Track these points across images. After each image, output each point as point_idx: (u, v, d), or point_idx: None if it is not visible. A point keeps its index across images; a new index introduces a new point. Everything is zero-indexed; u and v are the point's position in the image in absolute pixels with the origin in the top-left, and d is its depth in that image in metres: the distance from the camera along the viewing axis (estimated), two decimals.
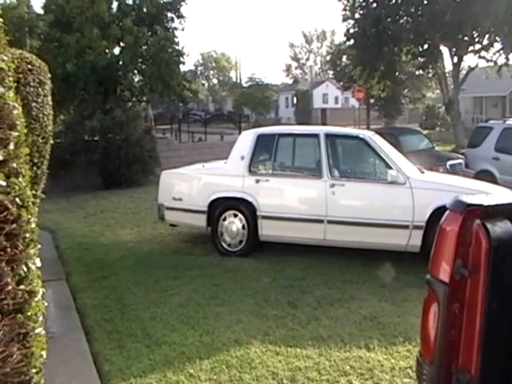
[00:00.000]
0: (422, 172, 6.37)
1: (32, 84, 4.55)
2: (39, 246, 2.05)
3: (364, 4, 21.32)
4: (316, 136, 6.34)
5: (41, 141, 4.54)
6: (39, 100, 4.63)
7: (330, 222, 5.99)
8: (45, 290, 2.06)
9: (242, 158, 6.50)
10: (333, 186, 6.01)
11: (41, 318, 1.95)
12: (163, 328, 4.34)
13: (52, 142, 5.45)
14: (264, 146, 6.56)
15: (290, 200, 6.40)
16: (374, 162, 6.12)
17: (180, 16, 15.63)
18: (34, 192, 4.22)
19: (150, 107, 20.66)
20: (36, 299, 1.90)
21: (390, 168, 5.87)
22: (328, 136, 6.30)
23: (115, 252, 6.75)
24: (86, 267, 6.12)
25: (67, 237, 7.63)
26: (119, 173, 12.73)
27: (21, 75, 4.33)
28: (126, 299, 5.03)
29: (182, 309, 4.76)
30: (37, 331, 1.90)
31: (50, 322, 4.57)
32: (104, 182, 12.94)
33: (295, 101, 50.79)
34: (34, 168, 4.28)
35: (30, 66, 4.53)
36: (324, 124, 38.13)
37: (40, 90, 4.68)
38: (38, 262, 1.98)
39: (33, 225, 1.92)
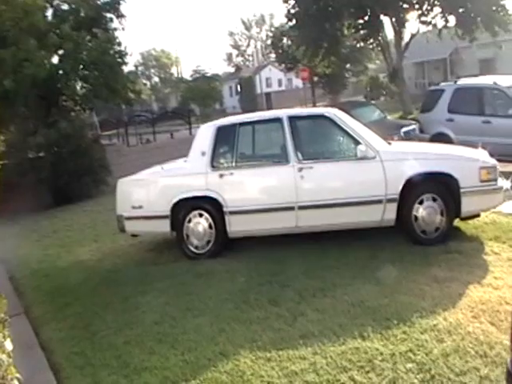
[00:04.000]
0: (389, 143, 6.17)
1: None
2: None
3: None
4: (279, 120, 6.00)
5: None
6: None
7: (301, 207, 5.70)
8: None
9: (203, 153, 6.11)
10: (301, 169, 5.71)
11: None
12: (140, 352, 3.95)
13: None
14: (225, 138, 6.18)
15: (258, 191, 6.07)
16: (342, 139, 5.85)
17: (120, 15, 15.05)
18: None
19: (94, 114, 19.90)
20: None
21: (359, 143, 5.62)
22: (292, 118, 5.98)
23: (76, 274, 6.24)
24: (45, 296, 5.61)
25: (21, 265, 7.06)
26: (69, 187, 12.10)
27: None
28: (95, 326, 4.59)
29: (157, 326, 4.37)
30: None
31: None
32: (54, 199, 12.27)
33: (239, 89, 50.40)
34: None
35: None
36: (270, 108, 37.98)
37: None
38: None
39: None
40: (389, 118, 14.82)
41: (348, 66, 35.32)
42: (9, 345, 1.87)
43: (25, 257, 7.45)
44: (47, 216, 10.79)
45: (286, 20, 24.51)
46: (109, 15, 14.95)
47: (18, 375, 1.92)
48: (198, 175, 6.08)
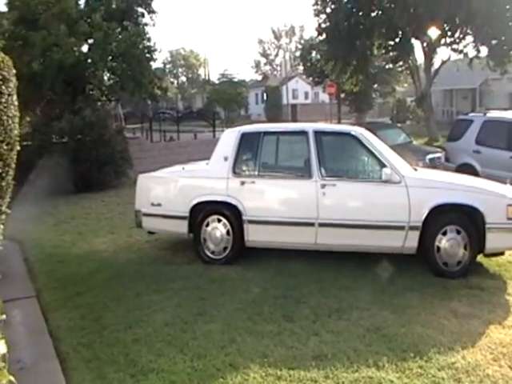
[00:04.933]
0: (415, 169, 6.07)
1: None
2: None
3: None
4: (305, 133, 5.94)
5: (5, 147, 3.96)
6: (2, 100, 4.04)
7: (321, 224, 5.62)
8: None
9: (226, 158, 6.07)
10: (324, 186, 5.64)
11: None
12: (148, 352, 3.89)
13: (19, 148, 4.91)
14: (249, 145, 6.13)
15: (278, 202, 5.99)
16: (367, 160, 5.76)
17: (151, 11, 15.14)
18: None
19: (119, 106, 20.01)
20: None
21: (384, 166, 5.53)
22: (317, 133, 5.90)
23: (89, 263, 6.23)
24: (58, 282, 5.58)
25: (37, 248, 7.06)
26: (90, 175, 12.10)
27: None
28: (105, 319, 4.55)
29: (167, 328, 4.31)
30: None
31: (21, 349, 4.09)
32: (74, 185, 12.30)
33: (265, 97, 50.52)
34: None
35: None
36: (295, 120, 38.02)
37: (3, 87, 4.10)
38: None
39: None
40: (414, 142, 14.67)
41: (376, 86, 35.15)
42: (2, 347, 1.80)
43: (40, 240, 7.46)
44: (66, 202, 10.83)
45: (316, 33, 24.52)
46: (140, 10, 15.05)
47: (11, 378, 1.85)
48: (219, 180, 6.03)
